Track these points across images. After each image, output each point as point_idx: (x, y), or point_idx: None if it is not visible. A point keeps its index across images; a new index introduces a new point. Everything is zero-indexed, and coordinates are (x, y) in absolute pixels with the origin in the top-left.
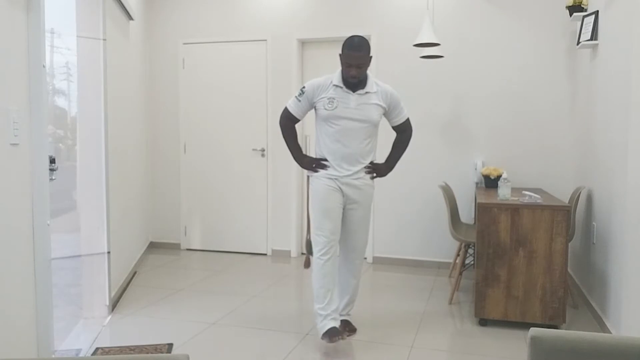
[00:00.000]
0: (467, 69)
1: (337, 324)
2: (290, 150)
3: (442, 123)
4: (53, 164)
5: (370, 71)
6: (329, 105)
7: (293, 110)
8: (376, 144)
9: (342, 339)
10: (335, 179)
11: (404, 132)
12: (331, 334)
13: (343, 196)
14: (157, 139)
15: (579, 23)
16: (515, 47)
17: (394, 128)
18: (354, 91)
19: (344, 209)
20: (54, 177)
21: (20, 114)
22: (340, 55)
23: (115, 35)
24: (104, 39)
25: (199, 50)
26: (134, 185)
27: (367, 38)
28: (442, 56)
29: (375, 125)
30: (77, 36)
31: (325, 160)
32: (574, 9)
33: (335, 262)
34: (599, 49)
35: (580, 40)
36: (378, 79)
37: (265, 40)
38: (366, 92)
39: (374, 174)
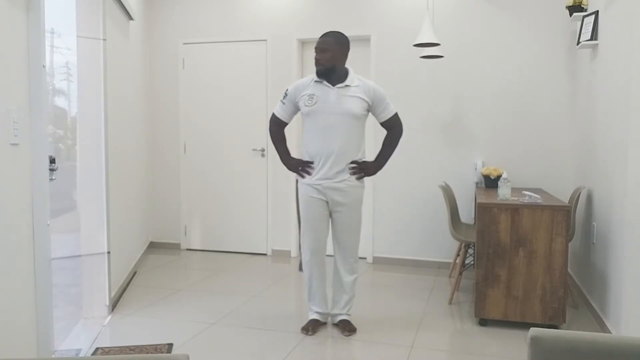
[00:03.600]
0: (467, 69)
1: (320, 317)
2: (279, 154)
3: (442, 123)
4: (53, 164)
5: (351, 68)
6: (309, 102)
7: (279, 114)
8: (362, 142)
9: (310, 334)
10: (319, 185)
11: (392, 128)
12: (304, 326)
13: (328, 202)
14: (157, 139)
15: (579, 23)
16: (515, 47)
17: (382, 125)
18: (333, 85)
19: (331, 212)
20: (54, 177)
21: (20, 114)
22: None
23: (115, 35)
24: (104, 39)
25: (199, 50)
26: (134, 185)
27: (366, 38)
28: (442, 56)
29: (357, 118)
30: (77, 36)
31: (311, 162)
32: (574, 9)
33: (321, 263)
34: (599, 49)
35: (580, 40)
36: (362, 76)
37: (265, 40)
38: (346, 86)
39: (362, 174)
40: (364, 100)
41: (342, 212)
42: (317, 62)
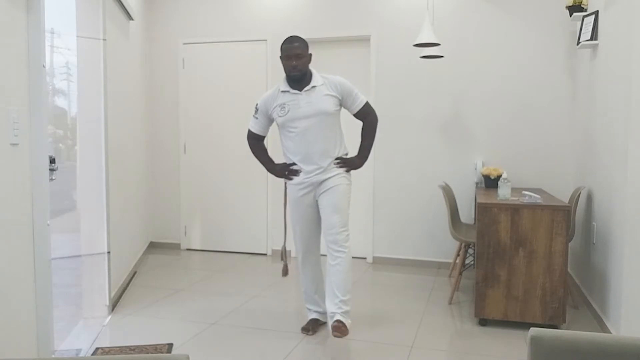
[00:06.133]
0: (467, 69)
1: (319, 317)
2: (263, 165)
3: (442, 123)
4: (53, 164)
5: (314, 68)
6: (282, 112)
7: (255, 129)
8: (342, 137)
9: (310, 334)
10: (307, 180)
11: (366, 118)
12: (304, 326)
13: (315, 195)
14: (157, 139)
15: (579, 23)
16: (515, 47)
17: (356, 116)
18: (300, 90)
19: (318, 201)
20: (54, 177)
21: (20, 114)
22: (280, 58)
23: (115, 35)
24: (104, 39)
25: (199, 50)
26: (134, 185)
27: (366, 38)
28: (442, 56)
29: (331, 115)
30: (77, 36)
31: (295, 164)
32: (574, 9)
33: (315, 263)
34: (599, 49)
35: (580, 40)
36: (325, 73)
37: (265, 40)
38: (312, 87)
39: (348, 168)
40: (333, 96)
41: (324, 197)
42: (295, 69)
